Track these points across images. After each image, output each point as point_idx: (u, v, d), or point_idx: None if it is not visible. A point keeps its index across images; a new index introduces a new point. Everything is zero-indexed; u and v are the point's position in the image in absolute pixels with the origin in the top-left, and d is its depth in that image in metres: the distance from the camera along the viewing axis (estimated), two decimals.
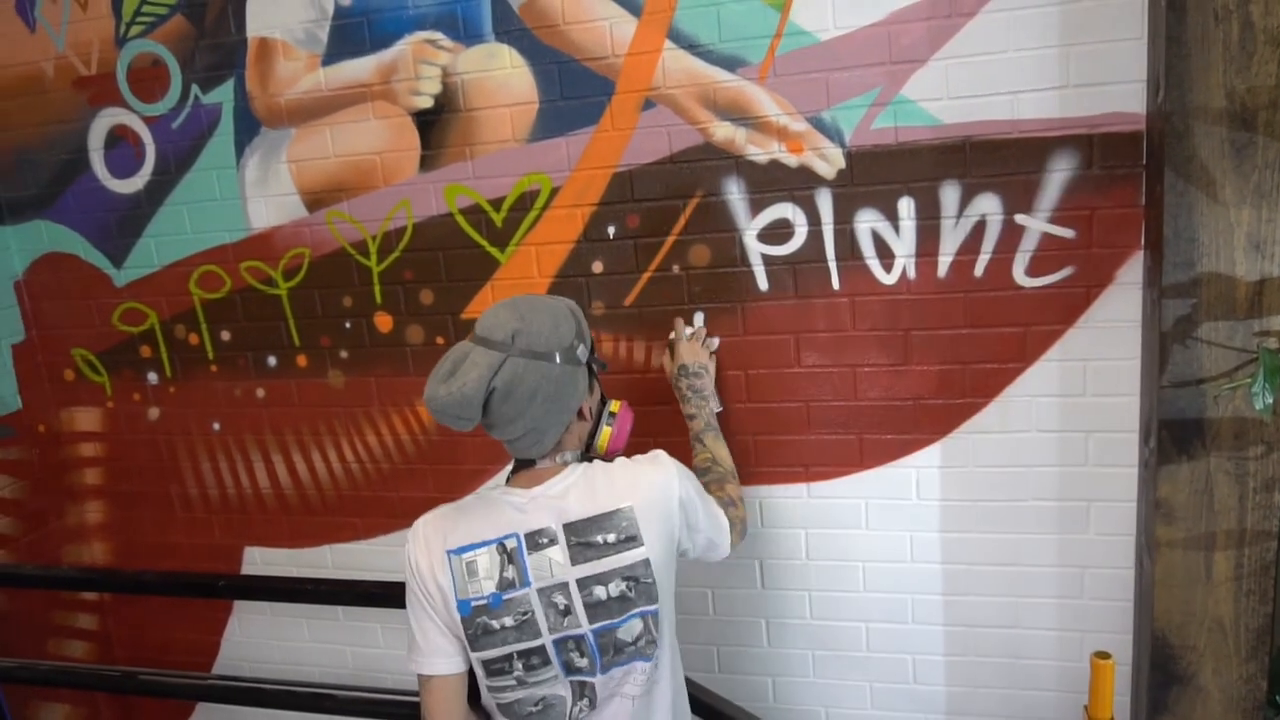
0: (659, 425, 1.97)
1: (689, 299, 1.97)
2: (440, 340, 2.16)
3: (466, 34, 1.97)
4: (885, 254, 1.84)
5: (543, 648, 1.37)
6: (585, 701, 1.41)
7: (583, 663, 1.38)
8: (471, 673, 1.41)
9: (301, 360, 2.29)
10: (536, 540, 1.36)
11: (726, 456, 1.75)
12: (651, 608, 1.39)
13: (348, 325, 2.23)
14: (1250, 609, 1.60)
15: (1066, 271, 1.76)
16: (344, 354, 2.26)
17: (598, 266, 2.01)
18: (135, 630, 2.71)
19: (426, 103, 2.03)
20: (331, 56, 2.07)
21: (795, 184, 1.85)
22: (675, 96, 1.87)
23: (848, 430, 1.95)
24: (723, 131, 1.86)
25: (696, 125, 1.88)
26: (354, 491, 2.35)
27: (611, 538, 1.36)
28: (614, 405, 1.54)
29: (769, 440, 2.00)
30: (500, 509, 1.39)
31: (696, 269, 1.95)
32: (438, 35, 1.98)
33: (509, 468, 1.47)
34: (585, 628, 1.37)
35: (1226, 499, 1.56)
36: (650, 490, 1.41)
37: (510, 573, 1.36)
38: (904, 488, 1.95)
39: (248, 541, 2.50)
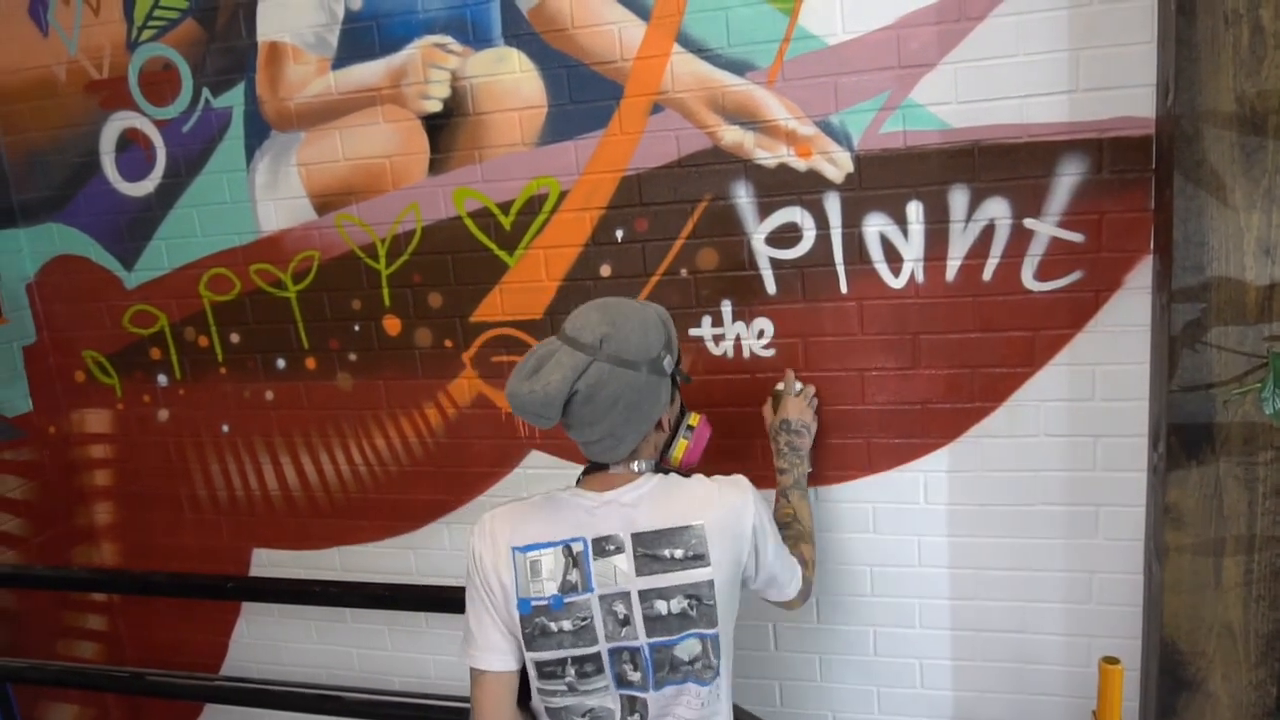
0: None
1: (697, 302, 1.97)
2: (449, 343, 2.17)
3: (475, 38, 1.97)
4: (894, 258, 1.84)
5: (598, 655, 1.35)
6: (636, 717, 1.39)
7: (635, 676, 1.36)
8: (523, 673, 1.39)
9: (310, 363, 2.30)
10: (603, 546, 1.34)
11: (809, 518, 1.72)
12: (711, 631, 1.36)
13: (356, 328, 2.24)
14: (1260, 615, 1.59)
15: (1075, 276, 1.76)
16: (353, 357, 2.26)
17: (606, 270, 2.01)
18: (144, 631, 2.72)
19: (436, 106, 2.04)
20: (341, 60, 2.08)
21: (804, 188, 1.85)
22: (684, 100, 1.88)
23: (855, 434, 1.95)
24: (731, 135, 1.87)
25: (705, 129, 1.88)
26: (362, 494, 2.36)
27: (679, 553, 1.34)
28: (693, 419, 1.53)
29: None
30: (569, 510, 1.37)
31: (705, 272, 1.95)
32: (447, 39, 1.99)
33: (578, 472, 1.44)
34: (641, 640, 1.35)
35: (1236, 504, 1.55)
36: (724, 511, 1.37)
37: (574, 576, 1.34)
38: (912, 492, 1.95)
39: (256, 543, 2.50)
